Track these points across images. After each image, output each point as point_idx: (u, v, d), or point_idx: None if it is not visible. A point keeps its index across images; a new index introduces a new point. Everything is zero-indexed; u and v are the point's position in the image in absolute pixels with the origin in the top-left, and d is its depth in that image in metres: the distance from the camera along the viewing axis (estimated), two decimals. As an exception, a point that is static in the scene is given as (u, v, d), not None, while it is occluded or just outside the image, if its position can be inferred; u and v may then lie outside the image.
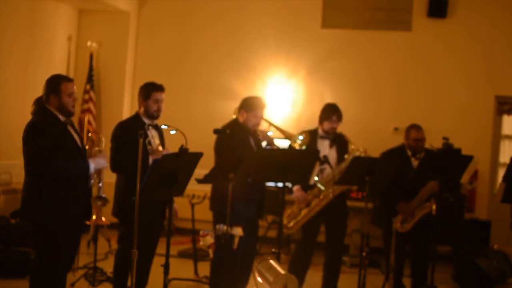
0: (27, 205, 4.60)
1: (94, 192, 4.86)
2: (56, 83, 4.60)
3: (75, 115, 4.76)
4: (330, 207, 6.15)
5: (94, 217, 6.16)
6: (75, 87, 4.68)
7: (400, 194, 6.27)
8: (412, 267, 6.59)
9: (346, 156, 6.17)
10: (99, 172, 4.75)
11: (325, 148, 6.19)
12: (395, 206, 6.25)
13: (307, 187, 6.16)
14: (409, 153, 6.37)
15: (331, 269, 6.31)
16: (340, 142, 6.24)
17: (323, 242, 6.38)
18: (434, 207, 6.15)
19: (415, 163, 6.32)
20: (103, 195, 4.84)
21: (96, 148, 4.83)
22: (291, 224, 6.23)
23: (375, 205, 6.75)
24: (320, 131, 6.26)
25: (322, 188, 6.08)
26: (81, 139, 4.75)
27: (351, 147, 6.17)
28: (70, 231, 4.62)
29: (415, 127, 6.39)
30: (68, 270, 4.87)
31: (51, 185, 4.50)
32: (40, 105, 4.67)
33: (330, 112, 6.21)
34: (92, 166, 4.61)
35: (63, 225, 4.55)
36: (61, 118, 4.60)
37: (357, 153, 6.13)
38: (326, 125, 6.21)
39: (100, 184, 4.79)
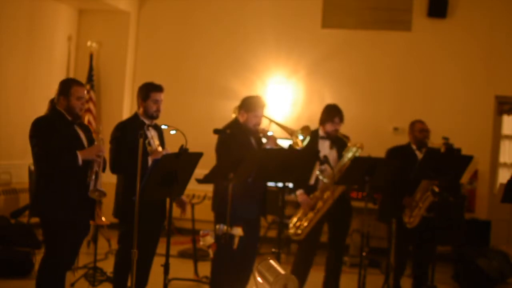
0: (33, 201, 4.73)
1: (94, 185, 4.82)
2: (67, 86, 4.78)
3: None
4: (334, 208, 6.11)
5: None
6: (85, 92, 4.88)
7: (405, 190, 6.31)
8: (414, 267, 6.60)
9: (343, 153, 6.13)
10: (92, 165, 4.71)
11: (325, 149, 6.15)
12: (401, 202, 6.28)
13: (309, 189, 6.13)
14: (414, 147, 6.42)
15: (332, 269, 6.29)
16: (340, 143, 6.19)
17: (323, 242, 6.37)
18: (436, 189, 6.17)
19: (420, 157, 6.36)
20: (100, 188, 4.72)
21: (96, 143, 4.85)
22: (299, 231, 6.10)
23: (379, 201, 6.78)
24: (321, 132, 6.22)
25: (325, 180, 5.99)
26: (89, 140, 4.81)
27: (348, 144, 6.14)
28: (71, 227, 4.67)
29: (418, 120, 6.62)
30: (68, 269, 4.89)
31: (54, 181, 4.61)
32: (52, 105, 4.81)
33: (333, 114, 6.14)
34: (80, 156, 4.61)
35: (63, 221, 4.61)
36: (69, 117, 4.74)
37: (354, 149, 6.07)
38: (329, 127, 6.14)
39: (93, 177, 4.69)
